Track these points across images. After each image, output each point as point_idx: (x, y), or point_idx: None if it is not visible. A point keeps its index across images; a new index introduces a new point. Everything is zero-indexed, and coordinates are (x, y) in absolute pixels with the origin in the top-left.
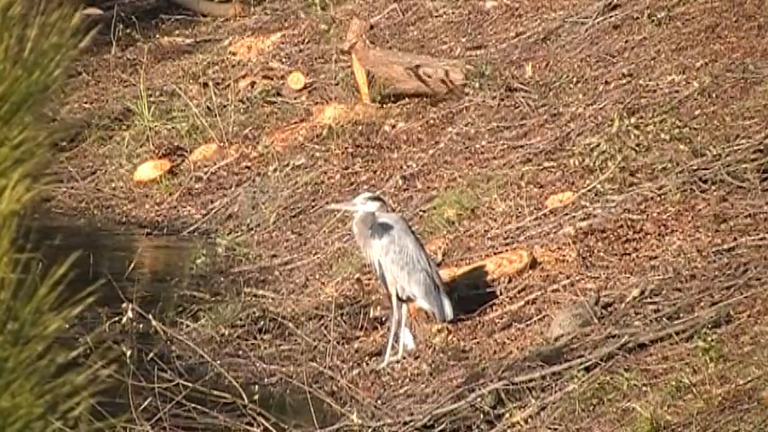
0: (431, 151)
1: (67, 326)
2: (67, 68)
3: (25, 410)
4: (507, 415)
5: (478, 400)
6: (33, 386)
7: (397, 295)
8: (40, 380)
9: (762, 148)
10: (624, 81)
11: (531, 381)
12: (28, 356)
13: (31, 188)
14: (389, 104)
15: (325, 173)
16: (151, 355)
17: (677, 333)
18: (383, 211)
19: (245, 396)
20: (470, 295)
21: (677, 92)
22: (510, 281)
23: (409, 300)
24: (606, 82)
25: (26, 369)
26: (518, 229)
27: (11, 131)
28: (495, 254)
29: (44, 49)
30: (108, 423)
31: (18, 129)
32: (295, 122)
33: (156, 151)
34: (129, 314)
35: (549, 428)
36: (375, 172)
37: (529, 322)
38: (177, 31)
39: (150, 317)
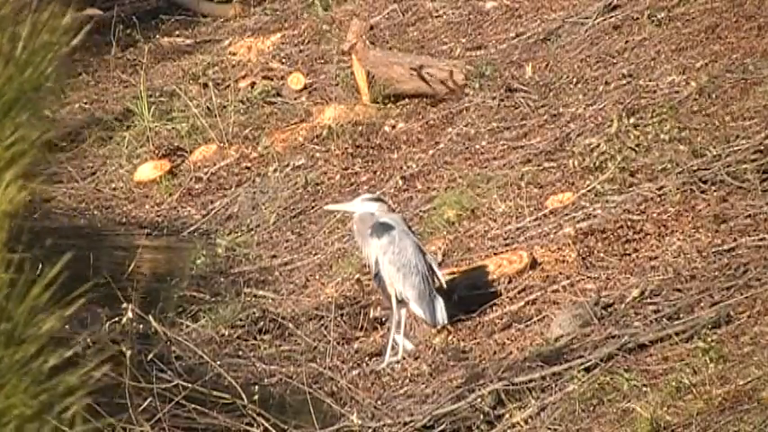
0: (431, 152)
1: (61, 326)
2: (61, 67)
3: (19, 411)
4: (507, 415)
5: (478, 400)
6: (27, 386)
7: (396, 296)
8: (33, 380)
9: (762, 148)
10: (624, 81)
11: (531, 381)
12: (22, 357)
13: (25, 188)
14: (389, 105)
15: (325, 173)
16: (151, 355)
17: (677, 333)
18: (384, 212)
19: (244, 396)
20: (470, 295)
21: (677, 92)
22: (510, 281)
23: (404, 302)
24: (606, 82)
25: (20, 369)
26: (518, 229)
27: (3, 131)
28: (495, 254)
29: (36, 48)
30: (107, 423)
31: (10, 128)
32: (295, 123)
33: (156, 152)
34: (129, 314)
35: (549, 429)
36: (375, 172)
37: (529, 323)
38: (177, 32)
39: (150, 317)
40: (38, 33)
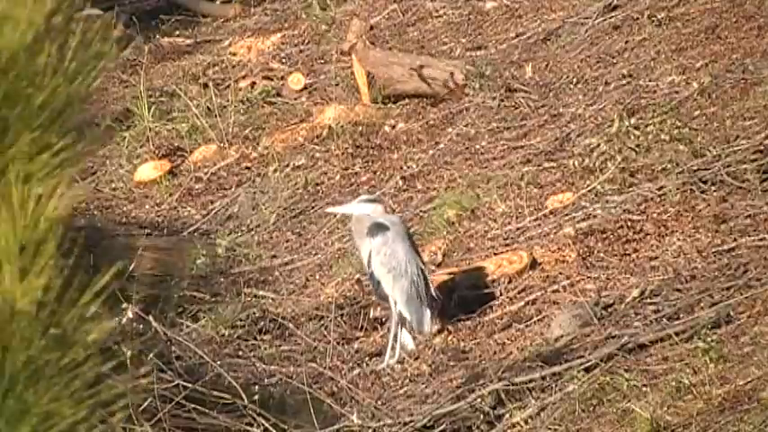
0: (431, 152)
1: (110, 333)
2: (108, 77)
3: (64, 416)
4: (507, 415)
5: (478, 400)
6: (73, 392)
7: (391, 297)
8: (80, 386)
9: (762, 148)
10: (624, 82)
11: (530, 381)
12: (70, 362)
13: (75, 194)
14: (389, 105)
15: (325, 173)
16: (151, 355)
17: (677, 333)
18: (380, 213)
19: (244, 397)
20: (470, 295)
21: (677, 92)
22: (510, 281)
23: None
24: (606, 82)
25: (67, 375)
26: (518, 229)
27: (51, 138)
28: (495, 254)
29: (85, 59)
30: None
31: (58, 136)
32: (295, 123)
33: (157, 152)
34: (129, 315)
35: (549, 429)
36: (375, 172)
37: (529, 323)
38: (177, 32)
39: (150, 317)
40: (88, 44)
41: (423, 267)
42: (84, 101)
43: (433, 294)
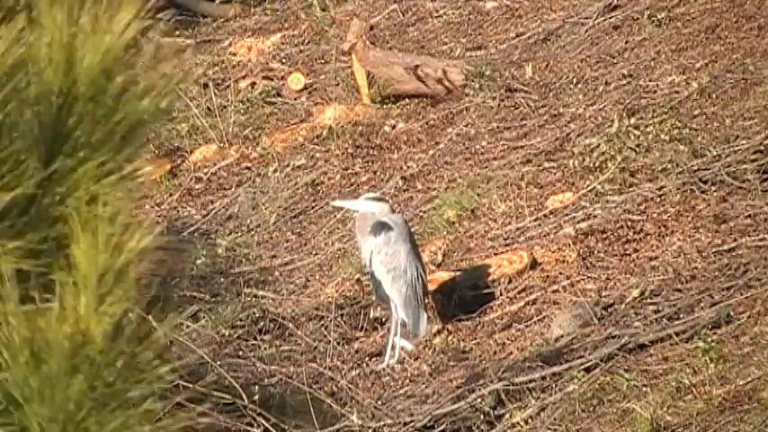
0: (431, 152)
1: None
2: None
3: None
4: (507, 415)
5: (478, 400)
6: (138, 425)
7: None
8: (144, 421)
9: (762, 148)
10: (624, 82)
11: (531, 381)
12: (137, 396)
13: (154, 227)
14: (389, 105)
15: (326, 173)
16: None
17: (677, 334)
18: (385, 213)
19: (245, 396)
20: (470, 295)
21: (677, 92)
22: (510, 281)
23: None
24: (606, 82)
25: (132, 408)
26: (518, 229)
27: (118, 161)
28: (495, 254)
29: (155, 80)
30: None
31: (126, 158)
32: (295, 123)
33: (157, 152)
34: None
35: (549, 429)
36: (375, 172)
37: (529, 323)
38: (177, 32)
39: (150, 317)
40: (157, 65)
41: (422, 271)
42: (154, 121)
43: (429, 300)
